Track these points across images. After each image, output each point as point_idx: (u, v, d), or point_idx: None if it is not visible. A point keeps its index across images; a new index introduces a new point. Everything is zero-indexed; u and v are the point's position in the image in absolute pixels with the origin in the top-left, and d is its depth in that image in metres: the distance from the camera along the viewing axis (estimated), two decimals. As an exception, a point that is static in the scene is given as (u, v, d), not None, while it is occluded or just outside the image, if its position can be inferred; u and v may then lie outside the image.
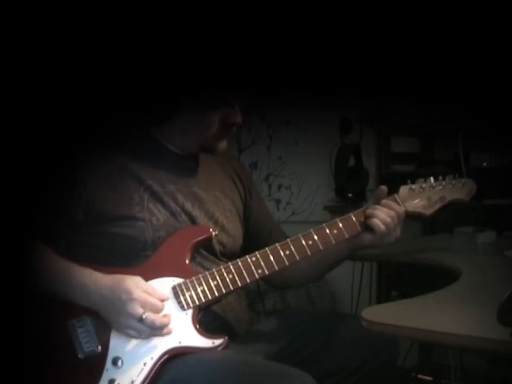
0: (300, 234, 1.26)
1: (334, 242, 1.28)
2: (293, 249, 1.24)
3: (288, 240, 1.25)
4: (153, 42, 1.23)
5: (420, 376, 2.40)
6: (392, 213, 1.30)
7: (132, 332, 1.14)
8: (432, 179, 1.37)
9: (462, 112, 2.18)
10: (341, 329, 1.38)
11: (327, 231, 1.28)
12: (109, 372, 1.13)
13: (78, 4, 1.34)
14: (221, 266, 1.22)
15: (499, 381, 2.20)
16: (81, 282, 1.15)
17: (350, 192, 2.65)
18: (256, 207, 1.47)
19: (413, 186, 1.35)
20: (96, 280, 1.15)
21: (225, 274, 1.20)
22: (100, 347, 1.15)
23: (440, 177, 1.37)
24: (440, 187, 1.36)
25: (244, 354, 1.22)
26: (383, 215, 1.29)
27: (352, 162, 2.71)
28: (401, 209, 1.33)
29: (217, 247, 1.30)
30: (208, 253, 1.29)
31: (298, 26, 1.74)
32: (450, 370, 2.14)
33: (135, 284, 1.14)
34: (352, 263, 2.52)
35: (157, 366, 1.13)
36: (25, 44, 1.31)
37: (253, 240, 1.44)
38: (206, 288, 1.19)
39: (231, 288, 1.20)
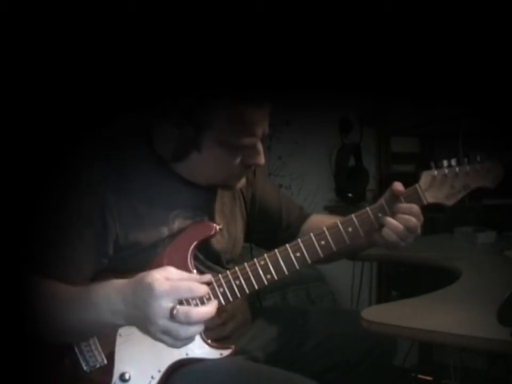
0: (311, 233, 1.16)
1: (348, 242, 1.17)
2: (304, 250, 1.14)
3: (299, 240, 1.15)
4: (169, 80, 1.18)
5: (420, 376, 2.40)
6: (412, 222, 1.16)
7: (167, 339, 0.99)
8: (455, 163, 1.21)
9: (462, 112, 2.18)
10: (339, 324, 1.37)
11: (341, 229, 1.16)
12: None
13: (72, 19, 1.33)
14: (228, 272, 1.12)
15: (499, 381, 2.20)
16: (104, 295, 1.03)
17: (350, 192, 2.65)
18: (259, 196, 1.40)
19: (435, 173, 1.20)
20: (117, 286, 1.02)
21: (232, 280, 1.11)
22: (105, 360, 1.11)
23: (466, 160, 1.22)
24: (464, 174, 1.21)
25: (250, 359, 1.21)
26: (395, 224, 1.16)
27: (352, 162, 2.71)
28: (421, 217, 1.18)
29: (222, 255, 1.26)
30: (204, 257, 1.24)
31: (298, 26, 1.74)
32: (450, 370, 2.14)
33: (158, 275, 0.98)
34: (352, 263, 2.52)
35: (164, 378, 1.11)
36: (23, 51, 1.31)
37: (262, 229, 1.39)
38: (211, 296, 1.10)
39: (239, 296, 1.12)
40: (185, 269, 1.13)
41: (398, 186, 1.18)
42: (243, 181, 1.25)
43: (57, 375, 1.12)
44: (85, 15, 1.33)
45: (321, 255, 1.15)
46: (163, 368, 1.11)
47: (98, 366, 1.11)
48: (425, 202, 1.20)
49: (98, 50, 1.33)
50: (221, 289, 1.11)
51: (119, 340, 1.12)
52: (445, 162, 1.21)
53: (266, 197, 1.41)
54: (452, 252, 1.84)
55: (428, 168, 1.21)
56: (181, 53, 1.18)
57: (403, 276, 2.36)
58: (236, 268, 1.12)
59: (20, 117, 1.33)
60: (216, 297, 1.10)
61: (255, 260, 1.13)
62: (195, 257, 1.20)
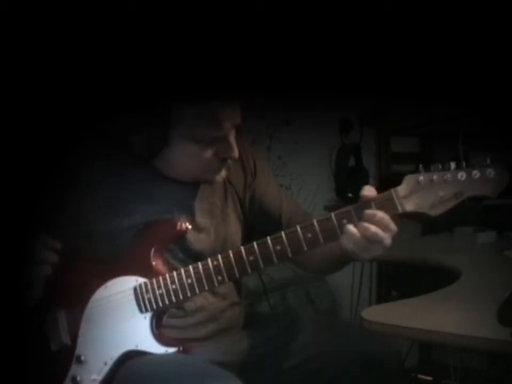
0: (268, 237, 1.09)
1: (306, 248, 1.08)
2: (257, 254, 1.09)
3: (254, 243, 1.10)
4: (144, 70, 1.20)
5: (420, 376, 2.41)
6: (370, 231, 1.04)
7: None
8: (449, 167, 1.04)
9: (462, 112, 2.18)
10: (338, 338, 1.29)
11: (300, 234, 1.08)
12: (74, 367, 1.16)
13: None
14: (182, 269, 1.13)
15: (499, 381, 2.20)
16: None
17: (350, 192, 2.65)
18: (259, 198, 1.37)
19: (420, 178, 1.04)
20: None
21: (184, 278, 1.12)
22: (69, 342, 1.17)
23: (464, 164, 1.03)
24: (456, 180, 1.03)
25: (225, 365, 1.19)
26: (352, 232, 1.05)
27: (352, 162, 2.71)
28: (391, 226, 1.06)
29: (206, 255, 1.22)
30: (185, 256, 1.23)
31: (298, 26, 1.74)
32: (450, 370, 2.14)
33: None
34: (352, 263, 2.51)
35: (115, 365, 1.15)
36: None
37: (261, 231, 1.31)
38: (164, 292, 1.13)
39: (189, 294, 1.13)
40: (147, 266, 1.16)
41: (367, 191, 1.07)
42: (222, 174, 1.25)
43: (28, 353, 1.18)
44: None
45: (275, 260, 1.09)
46: (115, 356, 1.14)
47: (63, 346, 1.17)
48: (400, 210, 1.05)
49: (95, 49, 1.33)
50: (173, 286, 1.13)
51: (83, 324, 1.17)
52: (439, 166, 1.05)
53: (267, 199, 1.38)
54: (452, 252, 1.84)
55: (417, 170, 1.06)
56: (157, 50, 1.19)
57: (403, 276, 2.36)
58: (190, 266, 1.13)
59: (20, 118, 1.33)
60: (169, 294, 1.13)
61: (209, 259, 1.13)
62: (175, 257, 1.22)
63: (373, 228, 1.04)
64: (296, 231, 1.08)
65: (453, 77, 1.98)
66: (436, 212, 1.05)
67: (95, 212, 1.20)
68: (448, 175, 1.03)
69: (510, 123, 1.98)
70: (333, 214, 1.07)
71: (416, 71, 2.01)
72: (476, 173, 1.03)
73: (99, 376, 1.14)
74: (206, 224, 1.26)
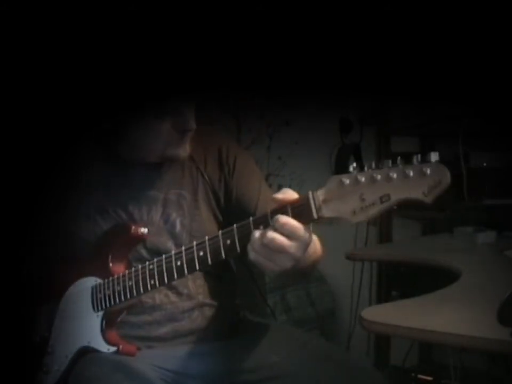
0: (195, 242, 1.05)
1: (224, 256, 1.01)
2: (184, 260, 1.06)
3: (183, 248, 1.07)
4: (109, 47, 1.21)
5: (420, 376, 2.40)
6: (267, 238, 0.93)
7: None
8: (384, 164, 0.88)
9: (462, 112, 2.18)
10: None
11: (220, 241, 1.01)
12: (45, 357, 1.23)
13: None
14: (126, 271, 1.17)
15: (499, 381, 2.20)
16: None
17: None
18: (236, 187, 1.30)
19: (343, 179, 0.90)
20: None
21: (127, 280, 1.15)
22: (47, 333, 1.24)
23: (399, 160, 0.87)
24: (386, 180, 0.87)
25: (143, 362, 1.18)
26: (253, 238, 0.95)
27: (352, 162, 2.70)
28: (298, 233, 0.93)
29: (173, 249, 1.17)
30: (150, 255, 1.22)
31: (298, 25, 1.74)
32: (450, 370, 2.13)
33: None
34: (352, 263, 2.52)
35: (73, 360, 1.20)
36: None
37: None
38: (111, 292, 1.17)
39: (129, 296, 1.15)
40: (105, 267, 1.20)
41: (282, 193, 0.96)
42: (186, 148, 1.24)
43: (16, 343, 1.25)
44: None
45: (197, 268, 1.04)
46: (74, 350, 1.20)
47: (43, 337, 1.24)
48: (315, 216, 0.92)
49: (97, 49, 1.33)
50: (118, 288, 1.17)
51: (56, 317, 1.24)
52: (373, 164, 0.90)
53: (245, 198, 1.30)
54: (452, 252, 1.84)
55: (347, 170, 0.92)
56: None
57: (403, 276, 2.36)
58: (133, 269, 1.16)
59: (20, 118, 1.33)
60: (114, 295, 1.17)
61: (147, 263, 1.13)
62: (140, 257, 1.23)
63: (270, 234, 0.93)
64: (218, 236, 1.01)
65: (453, 77, 1.98)
66: (357, 218, 0.89)
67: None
68: (379, 175, 0.87)
69: (510, 123, 1.98)
70: (251, 219, 0.98)
71: (416, 71, 2.01)
72: (408, 172, 0.85)
73: (61, 368, 1.19)
74: (170, 215, 1.25)
